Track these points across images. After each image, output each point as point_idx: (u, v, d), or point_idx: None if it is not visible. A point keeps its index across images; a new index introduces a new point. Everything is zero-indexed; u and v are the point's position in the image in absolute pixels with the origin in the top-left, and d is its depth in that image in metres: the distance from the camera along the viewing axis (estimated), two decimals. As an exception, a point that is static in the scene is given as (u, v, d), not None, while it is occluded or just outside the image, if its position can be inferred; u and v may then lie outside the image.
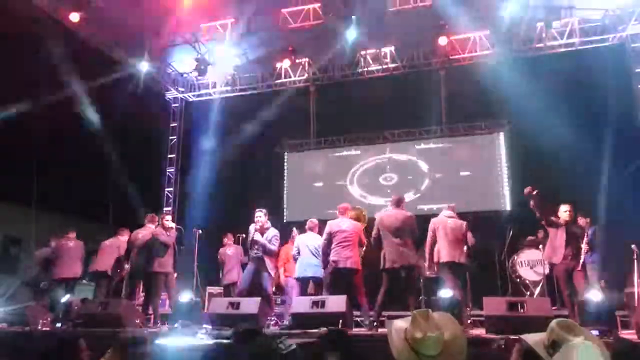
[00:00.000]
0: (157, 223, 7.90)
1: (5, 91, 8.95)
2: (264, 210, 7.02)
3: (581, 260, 6.33)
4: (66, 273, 8.44)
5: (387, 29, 10.04)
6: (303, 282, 7.10)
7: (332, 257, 6.41)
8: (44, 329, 6.55)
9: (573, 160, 9.48)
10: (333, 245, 6.44)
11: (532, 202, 6.33)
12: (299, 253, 7.12)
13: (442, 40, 9.96)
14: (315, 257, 6.89)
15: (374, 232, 6.37)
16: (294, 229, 8.43)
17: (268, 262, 6.87)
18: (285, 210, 11.96)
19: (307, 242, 7.11)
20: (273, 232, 6.99)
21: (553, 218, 6.47)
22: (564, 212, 6.46)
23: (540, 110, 9.90)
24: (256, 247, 6.90)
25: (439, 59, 10.88)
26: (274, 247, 6.91)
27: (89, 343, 3.12)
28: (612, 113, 9.27)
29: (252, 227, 6.99)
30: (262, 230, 6.92)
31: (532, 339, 2.02)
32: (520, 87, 10.02)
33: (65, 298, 7.62)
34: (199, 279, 8.74)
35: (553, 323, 1.98)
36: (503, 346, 3.01)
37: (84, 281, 9.24)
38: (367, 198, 11.57)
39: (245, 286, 6.93)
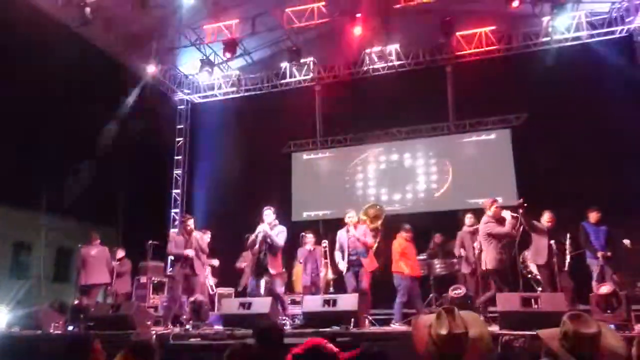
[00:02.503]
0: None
1: (13, 94, 8.99)
2: (272, 209, 7.02)
3: (567, 261, 6.85)
4: (91, 279, 8.60)
5: (393, 27, 10.00)
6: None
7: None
8: (56, 331, 6.57)
9: (582, 156, 9.42)
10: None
11: (521, 212, 6.60)
12: None
13: (443, 38, 9.88)
14: None
15: None
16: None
17: (272, 262, 6.81)
18: (292, 209, 11.92)
19: None
20: (280, 228, 6.98)
21: (536, 223, 6.90)
22: (545, 220, 6.96)
23: (548, 105, 9.85)
24: (263, 246, 6.85)
25: (445, 55, 10.86)
26: (280, 242, 6.89)
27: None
28: (619, 106, 9.18)
29: (260, 227, 6.93)
30: (271, 228, 6.89)
31: (547, 333, 2.07)
32: (527, 83, 9.97)
33: (76, 301, 7.65)
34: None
35: (565, 316, 2.03)
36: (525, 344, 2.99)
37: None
38: (375, 197, 11.53)
39: (254, 289, 6.89)
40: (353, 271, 6.85)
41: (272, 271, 6.79)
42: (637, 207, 7.74)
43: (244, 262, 8.89)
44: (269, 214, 6.94)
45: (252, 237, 6.96)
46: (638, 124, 9.40)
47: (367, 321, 6.55)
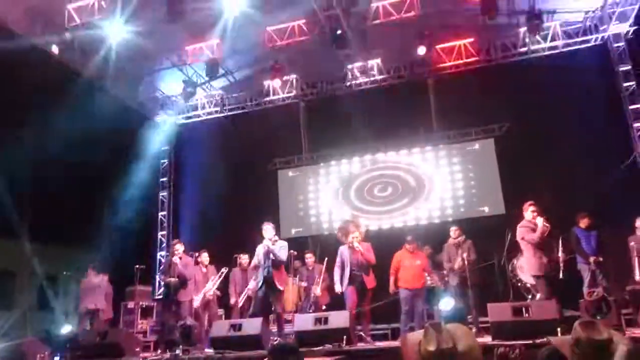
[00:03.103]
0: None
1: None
2: (271, 224, 6.98)
3: (561, 269, 6.76)
4: (83, 303, 8.72)
5: (373, 42, 10.10)
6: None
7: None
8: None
9: (564, 162, 9.54)
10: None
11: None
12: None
13: (421, 50, 9.95)
14: None
15: None
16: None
17: (277, 277, 6.77)
18: (280, 227, 11.84)
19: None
20: (282, 243, 6.95)
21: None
22: None
23: (530, 114, 9.99)
24: (266, 263, 6.78)
25: (426, 68, 10.98)
26: (284, 256, 6.85)
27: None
28: (598, 113, 9.35)
29: (260, 247, 6.89)
30: (272, 243, 6.86)
31: (558, 340, 2.13)
32: (508, 92, 10.12)
33: (65, 329, 7.48)
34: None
35: (576, 323, 2.04)
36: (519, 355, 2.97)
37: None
38: (362, 211, 11.51)
39: (258, 309, 6.80)
40: (355, 287, 6.73)
41: (279, 287, 6.73)
42: (622, 212, 7.81)
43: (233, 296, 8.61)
44: (268, 229, 6.91)
45: (254, 261, 6.93)
46: (617, 129, 9.60)
47: (360, 337, 6.50)
